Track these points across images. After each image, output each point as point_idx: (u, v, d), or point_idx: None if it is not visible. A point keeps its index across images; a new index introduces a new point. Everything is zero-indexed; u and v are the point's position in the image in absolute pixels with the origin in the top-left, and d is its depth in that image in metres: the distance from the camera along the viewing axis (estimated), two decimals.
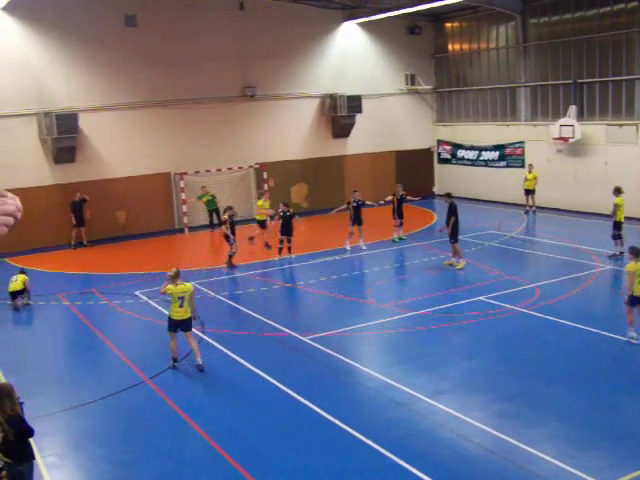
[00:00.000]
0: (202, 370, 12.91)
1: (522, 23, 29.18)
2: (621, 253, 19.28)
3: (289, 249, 21.84)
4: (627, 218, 23.96)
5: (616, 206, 19.53)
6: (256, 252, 22.60)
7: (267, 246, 23.21)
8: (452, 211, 19.56)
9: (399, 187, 23.98)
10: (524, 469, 9.04)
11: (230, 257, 21.01)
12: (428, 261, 20.78)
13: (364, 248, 22.53)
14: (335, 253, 22.23)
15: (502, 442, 9.75)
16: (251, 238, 23.64)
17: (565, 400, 11.05)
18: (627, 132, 25.55)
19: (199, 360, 13.02)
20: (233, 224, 20.93)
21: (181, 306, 12.92)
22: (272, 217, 23.14)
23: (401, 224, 23.79)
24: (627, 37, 25.55)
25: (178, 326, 13.07)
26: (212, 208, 27.40)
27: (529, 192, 27.54)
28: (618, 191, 19.71)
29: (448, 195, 20.17)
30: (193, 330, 15.09)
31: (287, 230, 21.67)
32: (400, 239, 23.75)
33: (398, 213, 23.54)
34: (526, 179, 27.54)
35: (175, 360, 13.20)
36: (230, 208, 21.27)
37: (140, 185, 27.08)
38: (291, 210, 22.13)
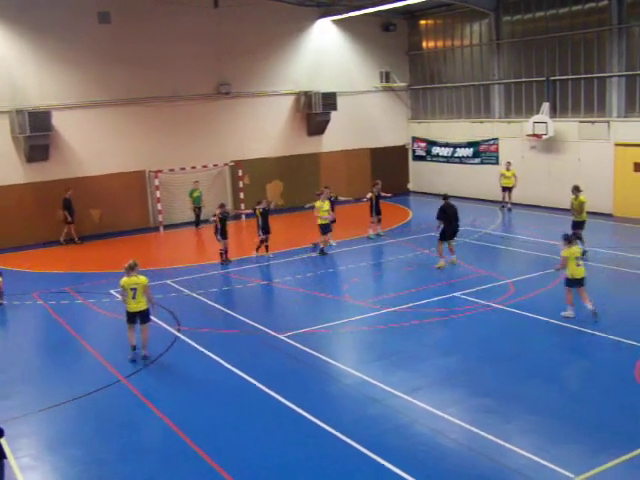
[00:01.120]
0: (146, 358, 13.38)
1: (495, 21, 29.39)
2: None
3: (266, 247, 21.75)
4: (599, 214, 24.37)
5: (583, 204, 19.32)
6: (231, 250, 22.45)
7: (322, 252, 21.67)
8: (440, 213, 19.36)
9: (378, 184, 24.00)
10: (499, 463, 9.12)
11: (221, 254, 21.10)
12: (404, 258, 20.86)
13: (333, 245, 22.55)
14: (311, 250, 22.24)
15: (478, 437, 9.82)
16: (315, 246, 22.17)
17: (539, 394, 11.15)
18: (599, 129, 25.83)
19: (144, 352, 13.45)
20: (224, 220, 20.94)
21: (134, 298, 13.15)
22: (247, 215, 22.88)
23: (379, 220, 23.86)
24: (598, 35, 25.84)
25: (135, 318, 13.34)
26: (197, 205, 27.39)
27: (506, 189, 27.65)
28: (578, 189, 19.45)
29: (444, 197, 19.80)
30: (169, 328, 15.11)
31: (267, 227, 21.54)
32: (378, 235, 23.82)
33: (376, 210, 23.60)
34: (504, 176, 27.66)
35: (134, 348, 13.47)
36: (222, 205, 21.39)
37: (115, 183, 26.93)
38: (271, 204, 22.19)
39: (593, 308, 14.29)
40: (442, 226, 19.44)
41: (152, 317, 13.78)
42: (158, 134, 27.68)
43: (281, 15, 29.82)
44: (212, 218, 21.21)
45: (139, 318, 13.35)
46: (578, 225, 19.37)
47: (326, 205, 21.81)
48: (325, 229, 21.81)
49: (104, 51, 26.25)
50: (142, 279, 13.21)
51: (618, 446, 9.35)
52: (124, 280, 13.18)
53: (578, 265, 14.38)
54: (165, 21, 27.20)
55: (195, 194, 27.35)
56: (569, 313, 14.54)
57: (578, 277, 14.37)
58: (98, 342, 14.81)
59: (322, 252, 21.69)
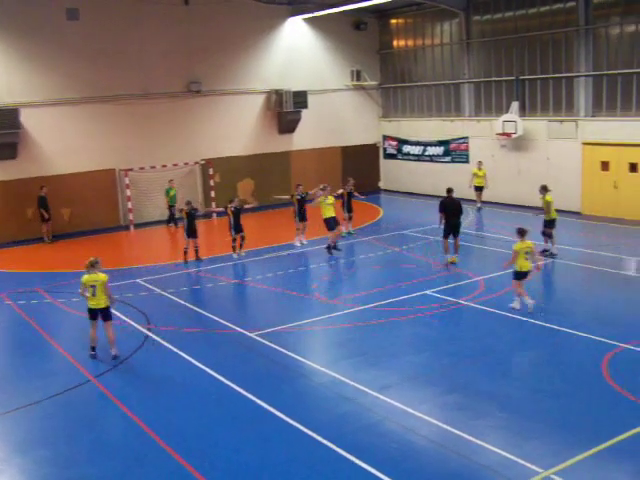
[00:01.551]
0: (115, 357, 13.30)
1: (466, 20, 29.60)
2: (552, 254, 19.51)
3: (241, 246, 21.54)
4: (568, 212, 24.66)
5: (550, 203, 19.50)
6: (201, 249, 22.34)
7: (336, 249, 21.09)
8: (440, 207, 19.21)
9: (350, 181, 24.04)
10: (471, 460, 9.19)
11: (185, 252, 21.01)
12: (374, 256, 20.93)
13: (305, 244, 22.54)
14: (282, 249, 22.23)
15: (448, 434, 9.89)
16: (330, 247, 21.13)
17: (509, 391, 11.26)
18: (567, 128, 26.13)
19: (113, 351, 13.37)
20: (192, 218, 20.84)
21: (93, 295, 13.15)
22: (218, 213, 22.69)
23: (350, 218, 23.90)
24: (566, 35, 26.14)
25: (96, 314, 13.33)
26: (173, 204, 27.23)
27: (479, 189, 27.80)
28: (546, 189, 19.70)
29: (447, 191, 19.60)
30: (139, 328, 15.01)
31: (239, 227, 21.43)
32: (349, 233, 23.86)
33: (347, 207, 23.63)
34: (477, 176, 27.79)
35: (93, 349, 13.48)
36: (189, 203, 21.29)
37: (85, 182, 26.68)
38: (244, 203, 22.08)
39: (518, 306, 15.11)
40: (444, 221, 19.25)
41: (123, 316, 13.68)
42: (128, 132, 27.47)
43: (252, 13, 29.75)
44: (178, 214, 21.12)
45: (100, 315, 13.34)
46: (549, 224, 19.61)
47: (330, 199, 21.41)
48: (330, 224, 21.22)
49: (73, 48, 25.97)
50: (101, 276, 13.17)
51: (587, 440, 9.47)
52: (84, 277, 13.17)
53: (526, 259, 15.03)
54: (135, 18, 26.98)
55: (171, 193, 27.18)
56: (530, 303, 14.84)
57: (525, 270, 15.03)
58: (68, 342, 14.66)
59: (335, 248, 21.06)
